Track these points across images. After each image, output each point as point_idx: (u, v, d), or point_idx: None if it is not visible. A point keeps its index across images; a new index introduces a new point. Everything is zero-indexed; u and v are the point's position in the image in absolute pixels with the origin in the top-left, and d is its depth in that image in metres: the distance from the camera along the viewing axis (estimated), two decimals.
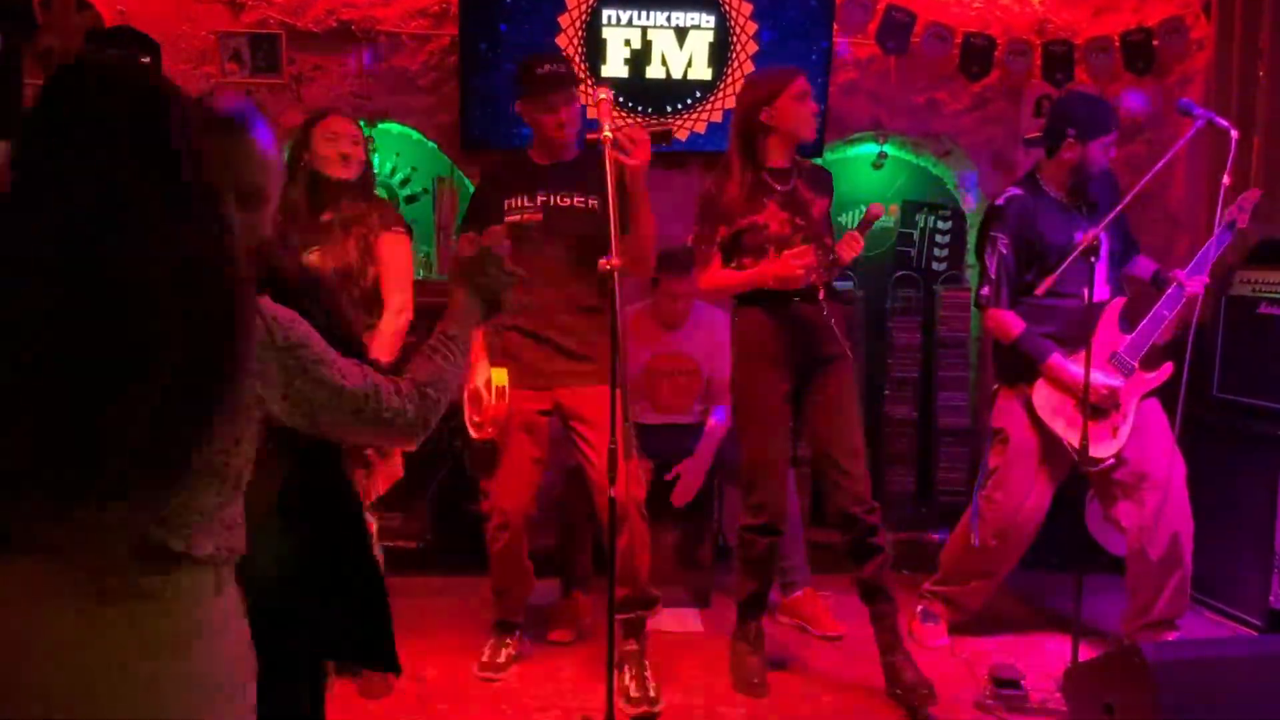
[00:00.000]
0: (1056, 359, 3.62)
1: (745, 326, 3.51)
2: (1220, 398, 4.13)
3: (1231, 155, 3.39)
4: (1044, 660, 3.77)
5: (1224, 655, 2.95)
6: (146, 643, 1.44)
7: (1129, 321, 3.73)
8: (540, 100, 3.45)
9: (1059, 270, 3.43)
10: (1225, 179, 3.46)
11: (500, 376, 3.45)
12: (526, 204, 3.52)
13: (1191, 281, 3.66)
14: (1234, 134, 3.38)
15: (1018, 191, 3.75)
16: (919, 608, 4.00)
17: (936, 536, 4.92)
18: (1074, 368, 3.58)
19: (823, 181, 3.57)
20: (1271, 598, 3.84)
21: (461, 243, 1.94)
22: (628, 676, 3.42)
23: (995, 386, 3.89)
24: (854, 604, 3.95)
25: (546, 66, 3.46)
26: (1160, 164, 3.46)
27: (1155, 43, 4.84)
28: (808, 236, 3.41)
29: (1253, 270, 4.16)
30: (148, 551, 1.43)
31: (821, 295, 3.42)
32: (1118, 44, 4.85)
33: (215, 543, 1.50)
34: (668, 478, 4.13)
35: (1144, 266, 3.89)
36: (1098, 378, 3.57)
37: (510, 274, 1.94)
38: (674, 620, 4.04)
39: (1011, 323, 3.69)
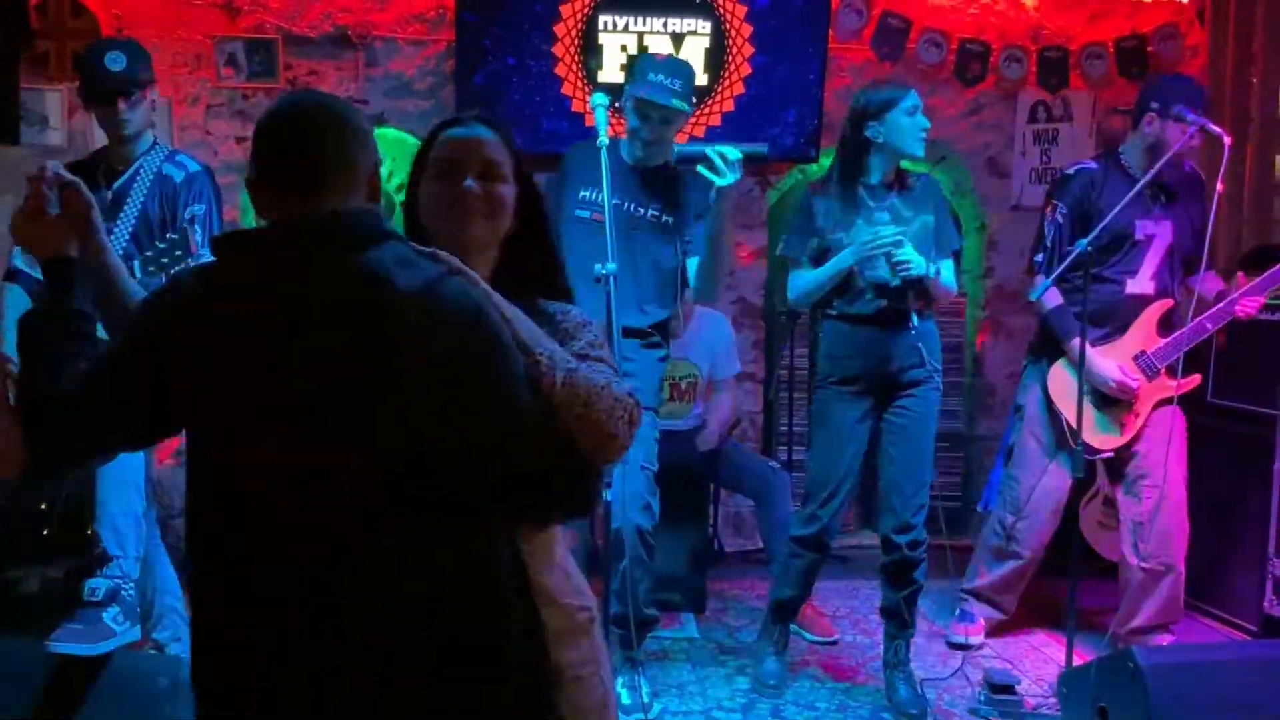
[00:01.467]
0: (1079, 342, 3.58)
1: (828, 341, 3.42)
2: (1215, 404, 4.13)
3: (1225, 161, 3.39)
4: (1039, 664, 3.77)
5: (1217, 660, 2.96)
6: None
7: (1169, 326, 3.70)
8: (638, 100, 3.28)
9: (1055, 274, 3.42)
10: (1219, 185, 3.46)
11: None
12: (598, 202, 3.30)
13: (1245, 302, 3.58)
14: (1227, 140, 3.38)
15: (1091, 164, 3.73)
16: (957, 608, 4.03)
17: (931, 541, 4.93)
18: (1095, 355, 3.55)
19: (926, 196, 3.42)
20: (1266, 603, 3.84)
21: None
22: (621, 683, 3.41)
23: (1025, 363, 3.92)
24: (849, 609, 3.96)
25: (657, 76, 3.25)
26: (1154, 169, 3.46)
27: (1150, 49, 4.86)
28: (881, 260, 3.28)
29: (1245, 275, 4.16)
30: None
31: (913, 316, 3.30)
32: (1112, 50, 4.87)
33: None
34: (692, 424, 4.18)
35: (1211, 285, 3.76)
36: (1114, 369, 3.58)
37: None
38: (669, 625, 4.04)
39: (1049, 294, 3.62)
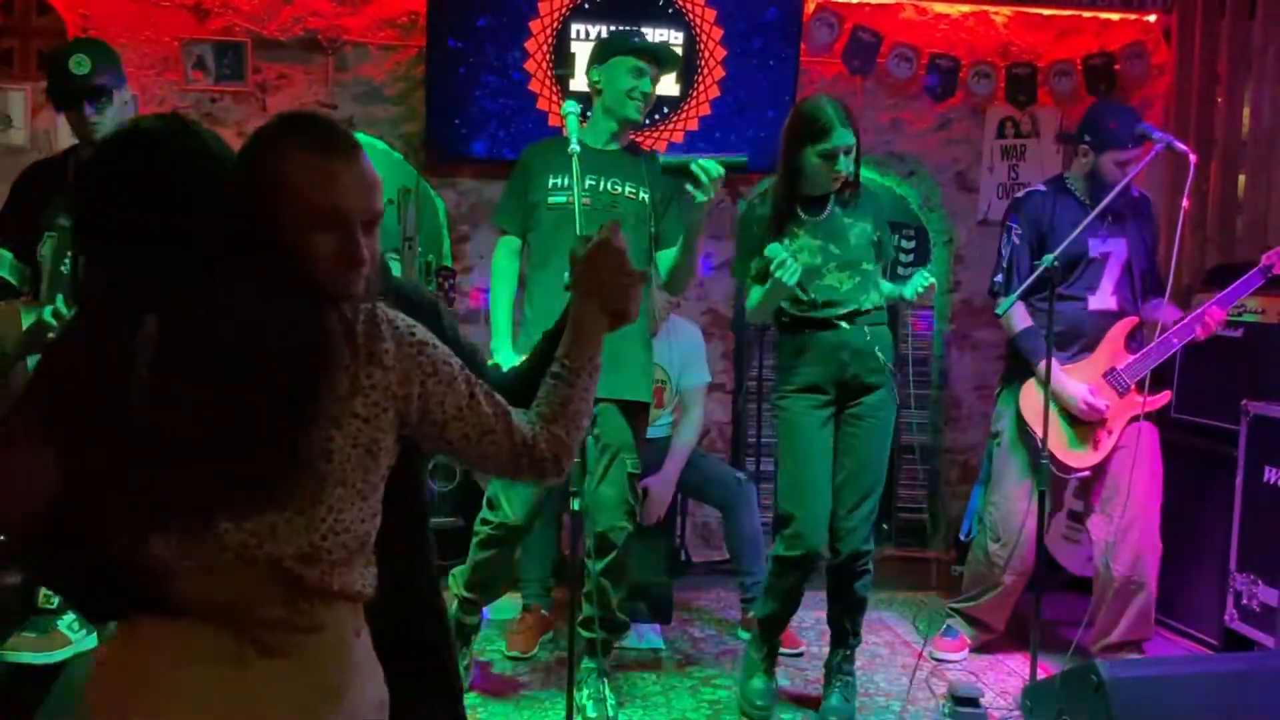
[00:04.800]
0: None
1: (787, 352, 3.37)
2: (1178, 419, 4.17)
3: (1190, 178, 3.43)
4: (1003, 678, 3.78)
5: (1179, 673, 2.98)
6: (294, 696, 1.44)
7: (1137, 342, 3.76)
8: (622, 64, 3.29)
9: (1020, 289, 3.46)
10: (1184, 202, 3.51)
11: None
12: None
13: (1211, 311, 3.61)
14: (1193, 157, 3.43)
15: (1041, 188, 3.85)
16: (944, 624, 4.05)
17: (897, 552, 4.95)
18: (1063, 376, 3.59)
19: (866, 203, 3.39)
20: (1227, 617, 3.87)
21: (576, 251, 1.72)
22: (586, 695, 3.38)
23: (999, 389, 3.95)
24: (815, 620, 3.96)
25: (638, 36, 3.38)
26: (1120, 185, 3.50)
27: (1116, 67, 4.91)
28: (842, 264, 3.28)
29: (1209, 294, 4.20)
30: (301, 590, 1.43)
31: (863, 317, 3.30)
32: (1080, 67, 4.92)
33: (341, 580, 1.46)
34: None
35: (1168, 315, 3.75)
36: (1083, 391, 3.62)
37: (632, 275, 1.70)
38: (635, 636, 4.02)
39: (1017, 317, 3.68)
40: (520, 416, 1.59)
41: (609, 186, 3.35)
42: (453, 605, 3.58)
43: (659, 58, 3.37)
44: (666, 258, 3.40)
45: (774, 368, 3.42)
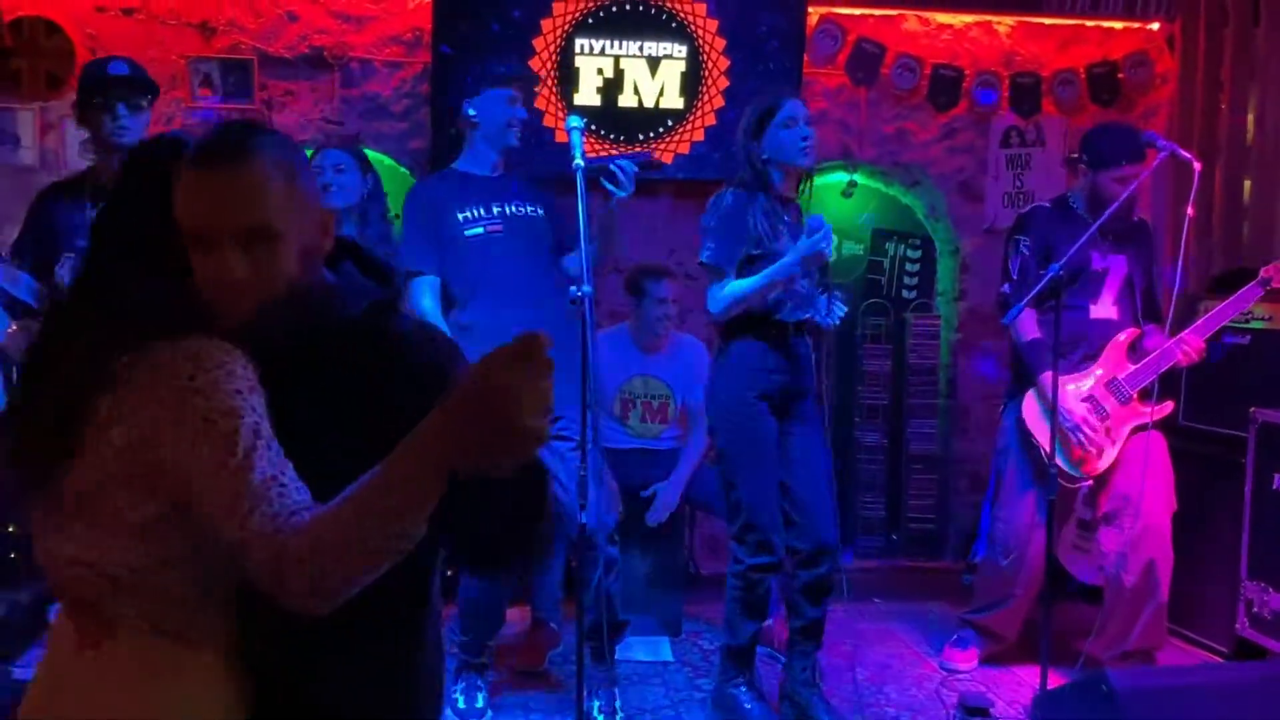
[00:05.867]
0: (1049, 376, 3.60)
1: (741, 359, 3.30)
2: (1186, 426, 4.16)
3: (1194, 186, 3.44)
4: (1013, 688, 3.77)
5: (1190, 683, 2.97)
6: (90, 700, 1.42)
7: (1139, 353, 3.77)
8: (497, 97, 3.41)
9: (1029, 297, 3.46)
10: (1189, 210, 3.51)
11: None
12: (483, 215, 3.42)
13: (1188, 339, 3.62)
14: (1197, 166, 3.43)
15: (1045, 204, 3.91)
16: (954, 634, 4.02)
17: (906, 563, 4.95)
18: (1062, 393, 3.59)
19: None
20: (1238, 625, 3.86)
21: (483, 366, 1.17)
22: (596, 707, 3.38)
23: (1003, 404, 3.95)
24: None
25: (504, 67, 3.47)
26: (1125, 194, 3.51)
27: (1120, 75, 4.92)
28: (820, 265, 3.31)
29: (1216, 300, 4.20)
30: (80, 607, 1.44)
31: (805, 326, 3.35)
32: (1084, 76, 4.93)
33: (135, 609, 1.39)
34: (643, 494, 4.11)
35: (1160, 343, 3.74)
36: (1079, 410, 3.65)
37: (534, 427, 1.16)
38: (644, 649, 4.02)
39: (1026, 327, 3.69)
40: (293, 510, 1.26)
41: (514, 210, 3.43)
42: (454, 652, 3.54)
43: (526, 82, 3.51)
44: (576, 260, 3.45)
45: (726, 372, 3.34)
